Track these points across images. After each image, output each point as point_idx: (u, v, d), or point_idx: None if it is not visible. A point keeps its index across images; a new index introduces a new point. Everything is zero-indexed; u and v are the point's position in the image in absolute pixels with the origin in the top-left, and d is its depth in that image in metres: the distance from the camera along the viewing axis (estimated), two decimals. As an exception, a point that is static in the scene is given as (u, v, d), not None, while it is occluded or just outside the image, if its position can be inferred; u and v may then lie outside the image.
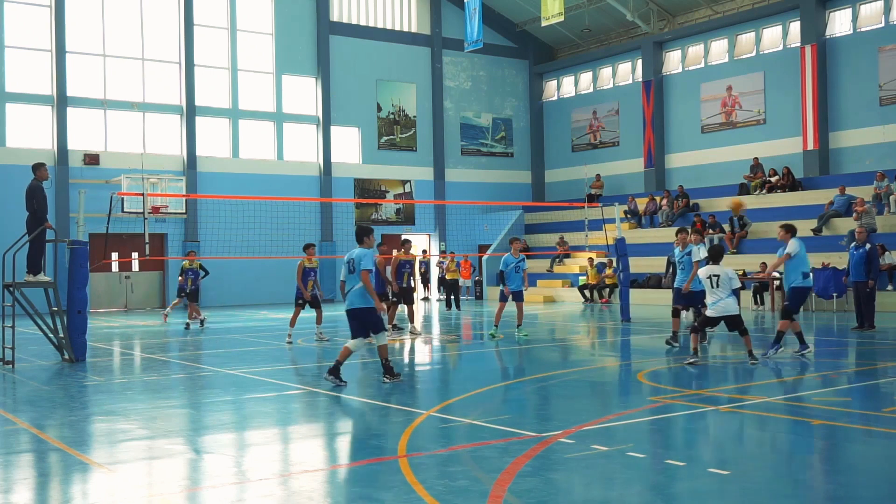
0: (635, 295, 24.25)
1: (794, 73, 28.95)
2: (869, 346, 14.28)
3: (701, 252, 13.65)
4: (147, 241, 19.95)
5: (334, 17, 34.25)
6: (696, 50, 32.54)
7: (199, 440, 7.75)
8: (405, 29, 36.02)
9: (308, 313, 17.32)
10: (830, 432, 7.55)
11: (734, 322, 11.82)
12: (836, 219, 24.60)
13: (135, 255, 29.28)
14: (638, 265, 26.63)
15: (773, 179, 28.11)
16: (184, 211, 29.35)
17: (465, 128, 37.16)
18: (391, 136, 35.39)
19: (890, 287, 21.54)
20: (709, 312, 11.94)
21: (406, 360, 13.96)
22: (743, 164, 29.85)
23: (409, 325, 17.73)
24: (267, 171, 32.20)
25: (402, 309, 18.41)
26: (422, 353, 14.97)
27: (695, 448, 7.27)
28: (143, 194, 23.08)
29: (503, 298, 16.53)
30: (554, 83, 38.35)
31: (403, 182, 35.58)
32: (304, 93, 33.54)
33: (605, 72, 36.06)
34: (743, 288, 21.01)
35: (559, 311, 25.05)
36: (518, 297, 16.35)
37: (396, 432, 7.71)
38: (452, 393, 10.47)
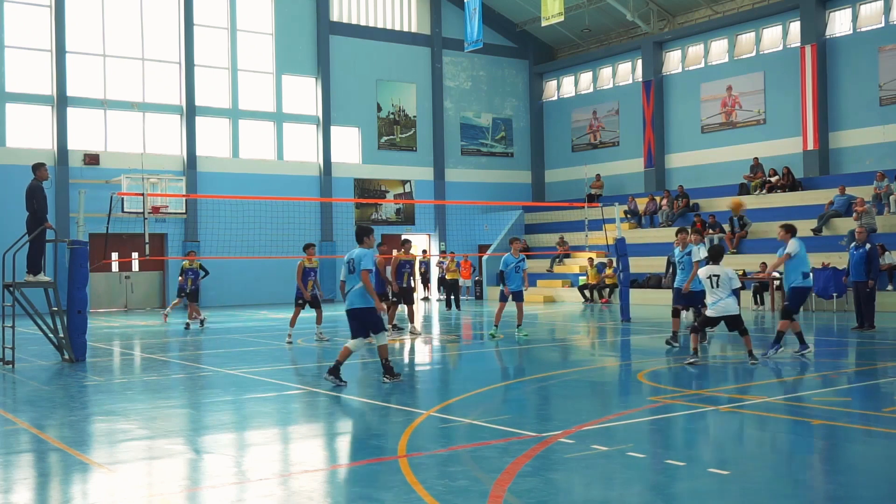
0: (635, 295, 24.25)
1: (794, 73, 28.95)
2: (869, 346, 14.27)
3: (701, 252, 13.65)
4: (147, 241, 19.96)
5: (334, 17, 34.25)
6: (696, 50, 32.55)
7: (199, 440, 7.74)
8: (405, 29, 36.02)
9: (308, 313, 17.32)
10: (830, 432, 7.55)
11: (734, 322, 11.82)
12: (836, 219, 24.61)
13: (135, 255, 29.29)
14: (638, 265, 26.63)
15: (773, 179, 28.11)
16: (184, 211, 29.36)
17: (465, 128, 37.16)
18: (391, 136, 35.40)
19: (890, 287, 21.54)
20: (709, 312, 11.94)
21: (406, 360, 13.96)
22: (743, 164, 29.85)
23: (409, 325, 17.73)
24: (267, 171, 32.20)
25: (402, 309, 18.41)
26: (422, 353, 14.97)
27: (695, 448, 7.27)
28: (143, 194, 23.09)
29: (503, 298, 16.53)
30: (554, 83, 38.36)
31: (403, 182, 35.59)
32: (304, 93, 33.55)
33: (605, 72, 36.06)
34: (743, 288, 21.00)
35: (559, 311, 25.05)
36: (518, 297, 16.36)
37: (396, 432, 7.71)
38: (452, 393, 10.47)
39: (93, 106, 29.53)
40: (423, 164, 35.96)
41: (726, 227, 26.64)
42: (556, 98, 38.27)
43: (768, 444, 7.32)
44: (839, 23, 28.33)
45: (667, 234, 25.35)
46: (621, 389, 10.71)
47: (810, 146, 28.39)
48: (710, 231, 26.17)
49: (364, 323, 10.48)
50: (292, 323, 16.60)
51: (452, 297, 26.72)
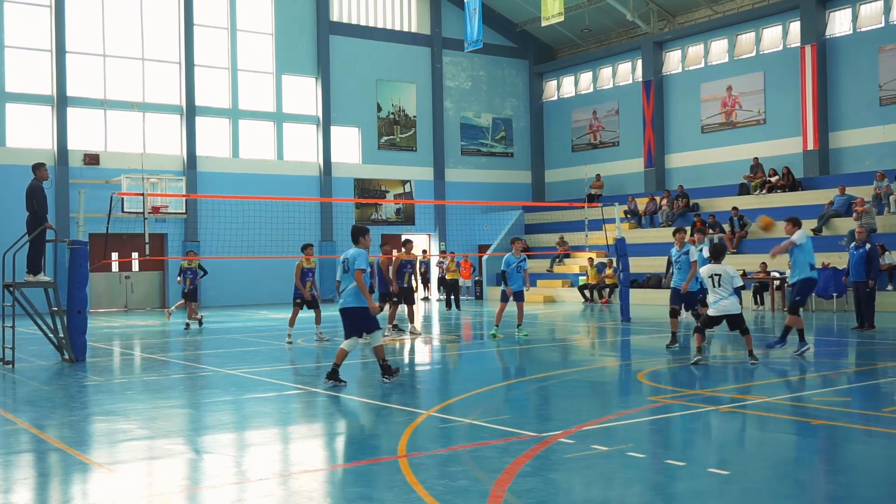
0: (635, 295, 24.25)
1: (794, 73, 28.95)
2: (869, 346, 14.27)
3: (704, 251, 13.66)
4: (147, 241, 19.97)
5: (334, 17, 34.25)
6: (696, 50, 32.54)
7: (199, 440, 7.74)
8: (405, 29, 36.02)
9: (307, 313, 17.32)
10: (830, 432, 7.55)
11: (736, 321, 11.82)
12: (836, 219, 24.61)
13: (135, 255, 29.29)
14: (638, 265, 26.64)
15: (773, 179, 28.10)
16: (184, 211, 29.37)
17: (465, 128, 37.16)
18: (391, 136, 35.39)
19: (890, 287, 21.54)
20: (710, 312, 11.94)
21: (406, 360, 13.96)
22: (743, 164, 29.85)
23: (410, 325, 17.73)
24: (267, 171, 32.20)
25: (403, 309, 18.41)
26: (422, 353, 14.97)
27: (695, 448, 7.27)
28: (143, 194, 23.10)
29: (504, 299, 16.54)
30: (554, 83, 38.35)
31: (403, 182, 35.58)
32: (304, 93, 33.54)
33: (605, 72, 36.06)
34: (744, 288, 20.99)
35: (559, 311, 25.05)
36: (519, 296, 16.38)
37: (396, 432, 7.71)
38: (452, 393, 10.47)
39: (93, 106, 29.53)
40: (423, 164, 35.96)
41: (726, 227, 26.64)
42: (556, 98, 38.27)
43: (768, 444, 7.32)
44: (839, 23, 28.33)
45: (667, 234, 25.30)
46: (621, 389, 10.71)
47: (810, 146, 28.39)
48: (710, 231, 26.15)
49: (356, 322, 10.47)
50: (291, 323, 16.60)
51: (452, 297, 26.72)
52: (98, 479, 6.43)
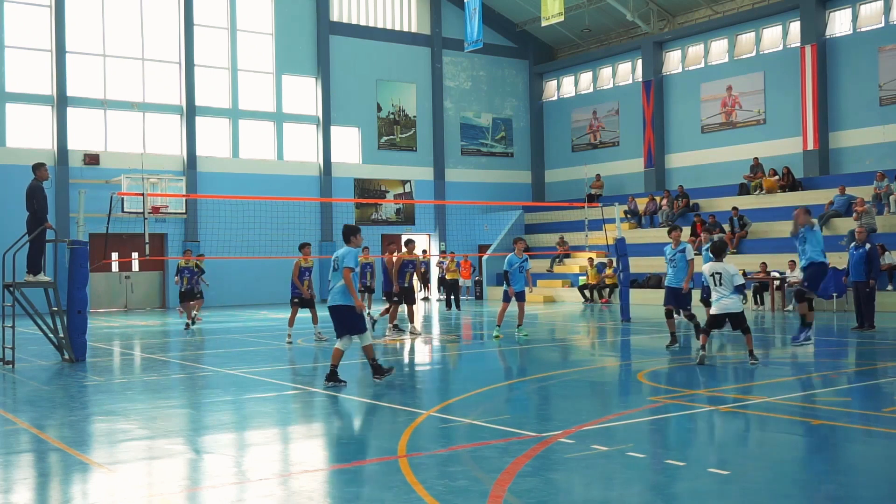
0: (635, 295, 24.25)
1: (794, 73, 28.95)
2: (869, 346, 14.28)
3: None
4: (147, 241, 19.98)
5: (334, 17, 34.25)
6: (696, 50, 32.54)
7: (199, 440, 7.74)
8: (405, 29, 36.02)
9: (307, 313, 17.31)
10: (830, 432, 7.55)
11: (737, 320, 11.80)
12: (836, 219, 24.61)
13: (135, 255, 29.29)
14: (638, 265, 26.63)
15: (773, 179, 28.09)
16: (184, 211, 29.36)
17: (465, 128, 37.15)
18: (391, 136, 35.39)
19: (890, 287, 21.54)
20: (712, 310, 11.94)
21: (406, 360, 13.96)
22: (743, 164, 29.85)
23: (410, 325, 17.74)
24: (267, 171, 32.20)
25: (403, 309, 18.42)
26: (422, 353, 14.97)
27: (695, 448, 7.27)
28: (143, 194, 23.10)
29: (507, 299, 16.55)
30: (554, 83, 38.35)
31: (403, 182, 35.58)
32: (304, 93, 33.54)
33: (605, 72, 36.06)
34: (745, 286, 20.96)
35: (559, 311, 25.05)
36: (520, 296, 16.39)
37: (396, 432, 7.71)
38: (452, 393, 10.47)
39: (93, 106, 29.52)
40: (423, 164, 35.95)
41: (726, 226, 26.64)
42: (556, 98, 38.27)
43: (768, 444, 7.32)
44: (839, 23, 28.33)
45: (666, 235, 25.31)
46: (621, 389, 10.71)
47: (810, 146, 28.39)
48: (717, 231, 26.14)
49: (343, 322, 10.47)
50: (291, 323, 16.60)
51: (452, 297, 26.72)
52: (98, 479, 6.43)
